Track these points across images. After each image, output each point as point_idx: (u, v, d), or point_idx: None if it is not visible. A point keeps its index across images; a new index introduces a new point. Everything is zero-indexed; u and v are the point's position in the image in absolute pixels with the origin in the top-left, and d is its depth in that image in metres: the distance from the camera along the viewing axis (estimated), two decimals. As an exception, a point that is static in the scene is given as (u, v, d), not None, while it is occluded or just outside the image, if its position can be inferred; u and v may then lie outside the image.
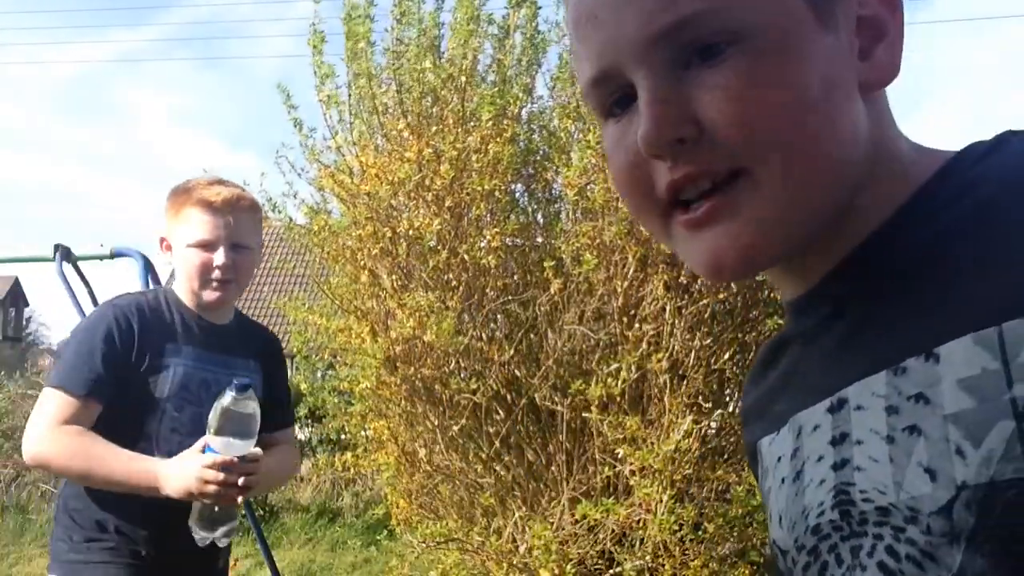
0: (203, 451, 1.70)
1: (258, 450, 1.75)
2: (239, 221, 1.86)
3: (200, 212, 1.83)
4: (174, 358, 1.82)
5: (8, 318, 33.37)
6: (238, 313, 2.04)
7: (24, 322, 35.83)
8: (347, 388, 4.41)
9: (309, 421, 9.54)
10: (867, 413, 0.53)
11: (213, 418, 1.72)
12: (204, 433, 1.73)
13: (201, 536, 1.78)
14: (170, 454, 1.76)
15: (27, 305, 35.56)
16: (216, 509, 1.76)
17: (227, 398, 1.71)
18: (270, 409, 1.92)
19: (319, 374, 6.62)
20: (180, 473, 1.68)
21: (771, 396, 0.67)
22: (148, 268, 4.74)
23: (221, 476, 1.67)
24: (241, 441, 1.72)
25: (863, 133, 0.55)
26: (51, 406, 1.70)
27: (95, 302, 4.92)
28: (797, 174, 0.52)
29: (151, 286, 4.74)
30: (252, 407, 1.74)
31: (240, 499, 1.76)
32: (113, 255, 4.79)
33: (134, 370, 1.77)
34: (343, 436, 5.17)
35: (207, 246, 1.83)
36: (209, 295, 1.86)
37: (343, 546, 7.74)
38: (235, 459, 1.71)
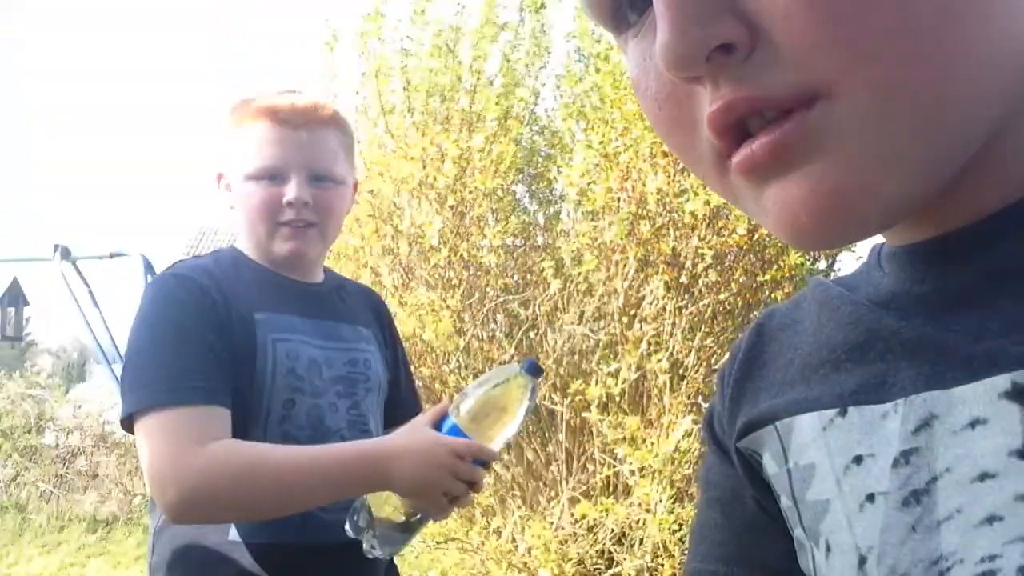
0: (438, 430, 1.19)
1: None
2: (319, 141, 1.28)
3: (264, 126, 1.26)
4: (268, 332, 1.24)
5: (7, 318, 33.41)
6: (331, 273, 1.45)
7: (24, 322, 35.87)
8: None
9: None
10: None
11: (495, 401, 1.18)
12: (327, 436, 1.25)
13: (382, 551, 1.21)
14: None
15: (27, 304, 35.61)
16: (419, 517, 1.21)
17: (529, 388, 1.17)
18: (398, 395, 1.45)
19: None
20: (426, 467, 1.13)
21: (831, 360, 0.44)
22: (148, 268, 4.75)
23: (479, 472, 1.17)
24: (509, 435, 1.22)
25: (1018, 31, 0.35)
26: (165, 433, 1.13)
27: (95, 302, 4.92)
28: (912, 98, 0.33)
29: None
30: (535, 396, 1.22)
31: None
32: (113, 255, 4.79)
33: (229, 359, 1.21)
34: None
35: (275, 175, 1.26)
36: (281, 245, 1.27)
37: (342, 546, 7.72)
38: (496, 451, 1.21)
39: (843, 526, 0.40)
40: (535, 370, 1.17)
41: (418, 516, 1.21)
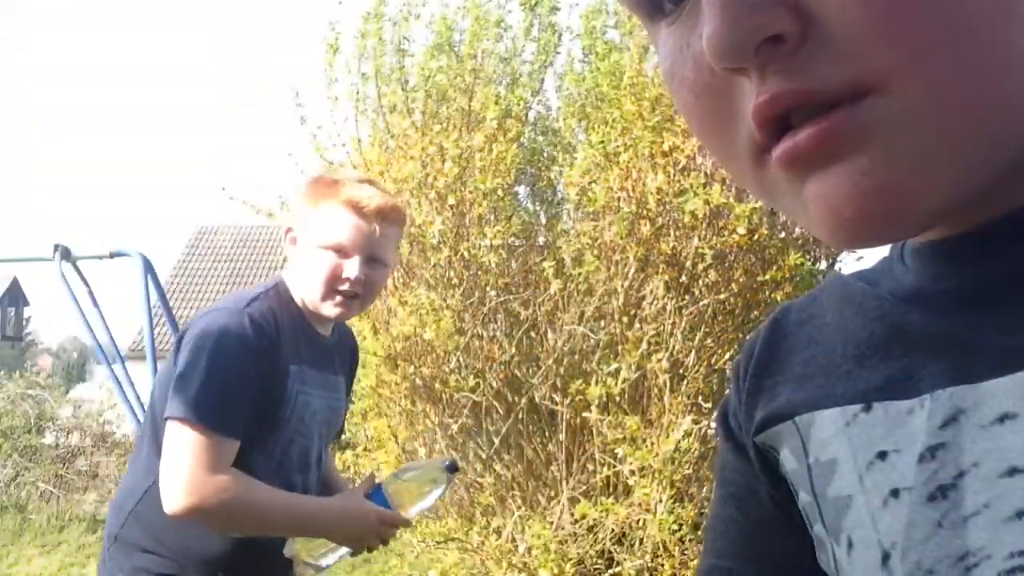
0: (369, 496, 1.63)
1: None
2: (385, 234, 1.61)
3: (346, 213, 1.58)
4: (296, 384, 1.59)
5: (7, 318, 33.39)
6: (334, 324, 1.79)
7: (24, 322, 35.86)
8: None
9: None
10: None
11: (414, 485, 1.67)
12: (308, 470, 1.65)
13: (312, 569, 1.68)
14: None
15: (27, 304, 35.59)
16: (340, 555, 1.68)
17: (445, 479, 1.67)
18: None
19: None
20: (359, 527, 1.60)
21: (855, 356, 0.44)
22: (148, 268, 4.75)
23: (393, 533, 1.66)
24: (422, 508, 1.72)
25: None
26: (195, 448, 1.46)
27: (95, 302, 4.93)
28: (965, 97, 0.33)
29: (150, 286, 4.75)
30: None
31: None
32: (112, 255, 4.80)
33: (262, 401, 1.54)
34: (343, 435, 5.15)
35: (342, 252, 1.58)
36: (331, 309, 1.60)
37: (342, 546, 7.71)
38: (411, 520, 1.70)
39: (866, 522, 0.40)
40: (453, 469, 1.66)
41: (340, 554, 1.66)
